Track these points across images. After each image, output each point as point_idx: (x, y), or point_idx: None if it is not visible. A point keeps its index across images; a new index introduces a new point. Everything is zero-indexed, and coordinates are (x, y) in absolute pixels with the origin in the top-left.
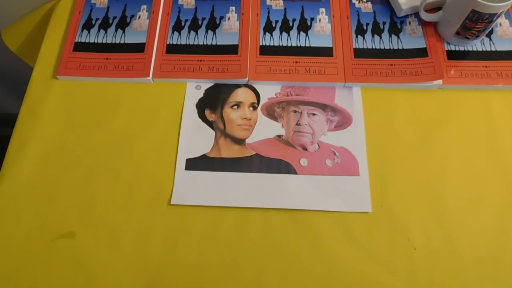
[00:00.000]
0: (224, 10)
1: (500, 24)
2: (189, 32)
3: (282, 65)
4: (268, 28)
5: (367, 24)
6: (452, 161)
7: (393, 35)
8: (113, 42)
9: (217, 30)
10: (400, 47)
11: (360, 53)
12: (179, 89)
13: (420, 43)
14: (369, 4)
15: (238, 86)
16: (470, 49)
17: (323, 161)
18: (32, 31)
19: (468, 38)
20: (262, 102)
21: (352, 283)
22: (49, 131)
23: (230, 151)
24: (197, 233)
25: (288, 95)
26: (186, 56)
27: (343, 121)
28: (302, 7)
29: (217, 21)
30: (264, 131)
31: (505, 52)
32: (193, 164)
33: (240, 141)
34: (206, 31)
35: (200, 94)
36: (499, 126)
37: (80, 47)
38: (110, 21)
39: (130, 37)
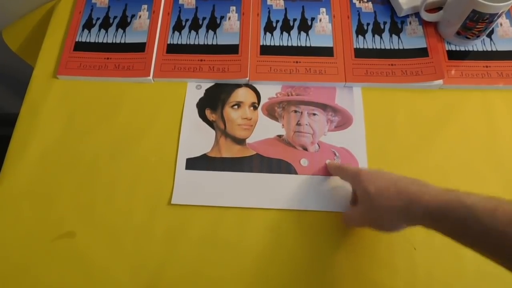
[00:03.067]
0: (224, 10)
1: (501, 24)
2: (189, 32)
3: (282, 65)
4: (269, 28)
5: (368, 24)
6: (452, 161)
7: (393, 35)
8: (114, 41)
9: (217, 30)
10: (401, 47)
11: (360, 53)
12: (180, 88)
13: (421, 43)
14: (370, 4)
15: (239, 85)
16: (470, 49)
17: (324, 161)
18: (33, 30)
19: (468, 38)
20: (262, 102)
21: (352, 283)
22: (49, 131)
23: (230, 151)
24: (197, 233)
25: (288, 95)
26: (187, 56)
27: (343, 121)
28: (303, 7)
29: (218, 21)
30: (264, 131)
31: (506, 52)
32: (193, 163)
33: (240, 141)
34: (207, 31)
35: (200, 93)
36: (500, 126)
37: (80, 46)
38: (111, 21)
39: (130, 37)
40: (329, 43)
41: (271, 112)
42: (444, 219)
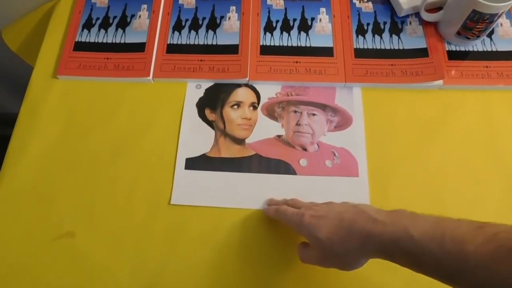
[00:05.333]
0: (224, 10)
1: (501, 24)
2: (189, 31)
3: (282, 65)
4: (269, 27)
5: (368, 24)
6: (452, 161)
7: (393, 35)
8: (114, 41)
9: (217, 30)
10: (401, 47)
11: (360, 53)
12: (180, 88)
13: (421, 43)
14: (370, 4)
15: (239, 85)
16: (470, 49)
17: (323, 161)
18: (33, 30)
19: (468, 38)
20: (262, 102)
21: (353, 283)
22: (49, 131)
23: (229, 150)
24: (197, 233)
25: (288, 95)
26: (187, 56)
27: (343, 121)
28: (303, 6)
29: (218, 21)
30: (264, 131)
31: (506, 52)
32: (192, 163)
33: (240, 141)
34: (207, 31)
35: (200, 93)
36: (499, 126)
37: (80, 46)
38: (111, 21)
39: (130, 37)
40: (329, 43)
41: (271, 112)
42: (398, 254)
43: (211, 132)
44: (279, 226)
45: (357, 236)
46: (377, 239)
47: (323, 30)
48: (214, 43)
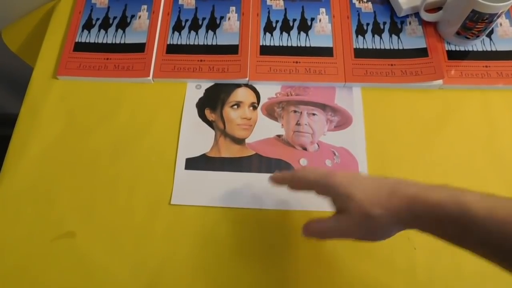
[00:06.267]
0: (224, 10)
1: (501, 24)
2: (189, 32)
3: (282, 65)
4: (269, 28)
5: (367, 24)
6: (452, 161)
7: (393, 35)
8: (113, 42)
9: (217, 30)
10: (400, 47)
11: (360, 53)
12: (179, 89)
13: (420, 43)
14: (370, 4)
15: (238, 85)
16: (470, 49)
17: (323, 161)
18: (32, 31)
19: (468, 38)
20: (262, 102)
21: (352, 283)
22: (49, 131)
23: (229, 150)
24: (197, 233)
25: (288, 95)
26: (187, 56)
27: (343, 121)
28: (303, 7)
29: (218, 21)
30: (264, 131)
31: (506, 52)
32: (193, 163)
33: (239, 141)
34: (207, 31)
35: (200, 93)
36: (499, 126)
37: (80, 47)
38: (111, 21)
39: (130, 37)
40: (328, 43)
41: (271, 112)
42: (443, 220)
43: (211, 132)
44: (279, 226)
45: (402, 197)
46: (423, 202)
47: (322, 30)
48: (214, 43)
